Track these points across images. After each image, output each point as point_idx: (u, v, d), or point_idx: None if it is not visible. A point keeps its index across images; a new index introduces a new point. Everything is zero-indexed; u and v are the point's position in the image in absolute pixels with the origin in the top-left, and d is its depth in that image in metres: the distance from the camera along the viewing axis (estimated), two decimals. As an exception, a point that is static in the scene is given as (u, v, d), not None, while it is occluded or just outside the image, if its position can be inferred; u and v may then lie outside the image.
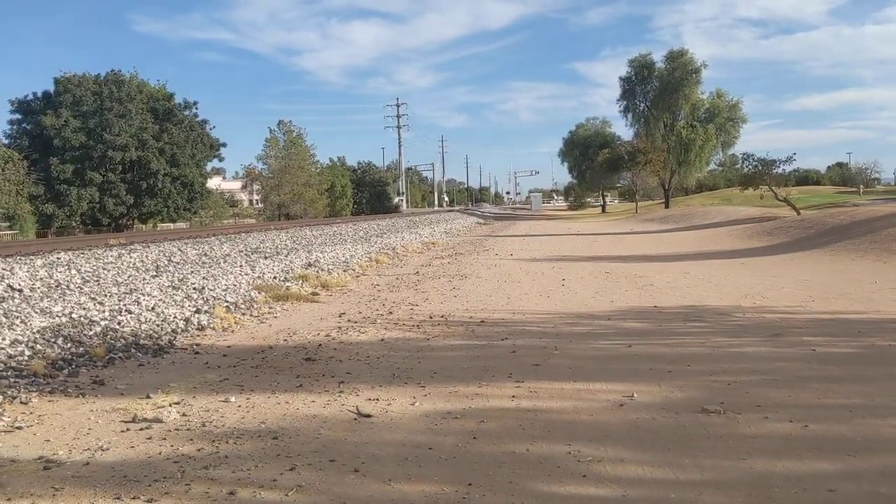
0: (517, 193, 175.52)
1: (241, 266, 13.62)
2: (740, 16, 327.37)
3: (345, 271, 15.31)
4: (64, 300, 8.86)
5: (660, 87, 61.24)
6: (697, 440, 4.44)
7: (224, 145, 46.81)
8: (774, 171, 35.67)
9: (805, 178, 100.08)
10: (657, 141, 60.84)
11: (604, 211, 78.60)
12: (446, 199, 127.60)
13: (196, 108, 44.34)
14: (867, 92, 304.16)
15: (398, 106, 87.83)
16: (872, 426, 4.62)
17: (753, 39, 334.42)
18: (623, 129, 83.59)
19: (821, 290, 11.48)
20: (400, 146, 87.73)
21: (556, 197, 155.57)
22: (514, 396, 5.56)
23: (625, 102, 64.79)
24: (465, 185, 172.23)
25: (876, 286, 11.69)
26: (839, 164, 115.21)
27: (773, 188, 35.17)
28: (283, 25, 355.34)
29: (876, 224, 19.66)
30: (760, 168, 35.94)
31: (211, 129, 45.40)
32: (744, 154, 39.78)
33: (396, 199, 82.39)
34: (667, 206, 61.71)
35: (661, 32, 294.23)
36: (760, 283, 12.52)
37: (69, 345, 7.32)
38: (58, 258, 11.88)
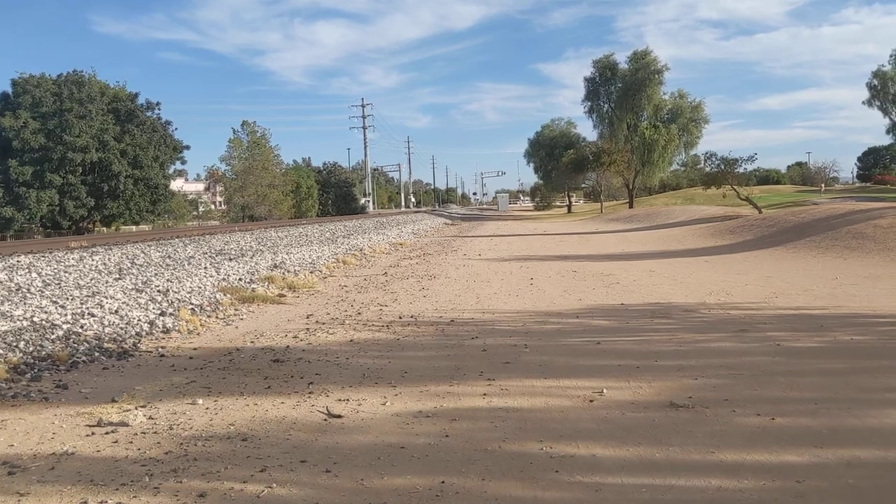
0: (484, 194, 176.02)
1: (205, 268, 13.45)
2: (701, 17, 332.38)
3: (311, 273, 15.21)
4: (25, 304, 8.68)
5: (623, 88, 61.86)
6: (667, 434, 4.47)
7: (187, 148, 46.30)
8: (736, 170, 36.23)
9: (766, 178, 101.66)
10: (621, 141, 61.44)
11: (569, 211, 79.07)
12: (413, 199, 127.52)
13: (159, 109, 43.80)
14: (825, 92, 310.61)
15: (363, 106, 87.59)
16: (838, 418, 4.70)
17: (715, 41, 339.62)
18: (588, 130, 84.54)
19: (784, 286, 11.66)
20: (366, 147, 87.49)
21: (522, 197, 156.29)
22: (485, 395, 5.55)
23: (589, 103, 65.40)
24: (432, 186, 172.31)
25: (837, 282, 11.91)
26: (799, 164, 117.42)
27: (736, 187, 35.67)
28: (246, 26, 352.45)
29: (835, 222, 20.04)
30: (723, 167, 36.48)
31: (174, 131, 44.92)
32: (706, 153, 40.49)
33: (363, 200, 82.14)
34: (631, 206, 62.26)
35: (624, 34, 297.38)
36: (725, 281, 12.69)
37: (31, 349, 7.17)
38: (18, 261, 11.62)
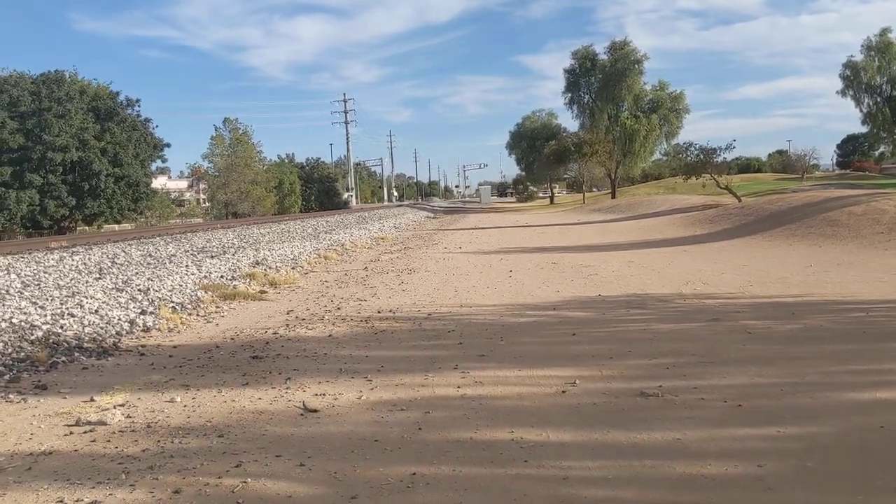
0: (466, 187, 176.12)
1: (187, 266, 13.46)
2: (681, 7, 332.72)
3: (293, 268, 15.24)
4: (3, 305, 8.67)
5: (603, 79, 62.17)
6: (636, 423, 4.58)
7: (168, 145, 45.99)
8: (715, 159, 36.43)
9: (747, 166, 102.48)
10: (602, 132, 61.69)
11: (552, 202, 79.23)
12: (396, 193, 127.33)
13: (139, 107, 43.44)
14: (804, 80, 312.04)
15: (345, 101, 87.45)
16: (802, 403, 4.82)
17: (694, 31, 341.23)
18: (569, 121, 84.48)
19: (759, 275, 11.82)
20: (348, 141, 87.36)
21: (505, 190, 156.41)
22: (459, 386, 5.64)
23: (570, 94, 65.73)
24: (415, 180, 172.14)
25: (811, 270, 12.08)
26: (779, 152, 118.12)
27: (715, 176, 35.93)
28: (226, 22, 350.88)
29: (811, 210, 20.26)
30: (702, 157, 36.67)
31: (154, 128, 44.59)
32: (685, 143, 40.67)
33: (346, 195, 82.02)
34: (613, 197, 62.59)
35: (604, 24, 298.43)
36: (702, 270, 12.84)
37: (10, 350, 7.18)
38: (-4, 263, 11.60)
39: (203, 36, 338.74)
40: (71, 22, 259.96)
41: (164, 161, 49.10)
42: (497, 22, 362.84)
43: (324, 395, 5.57)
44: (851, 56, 57.89)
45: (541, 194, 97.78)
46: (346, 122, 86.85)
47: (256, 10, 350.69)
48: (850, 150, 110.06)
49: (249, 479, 3.88)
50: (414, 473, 3.90)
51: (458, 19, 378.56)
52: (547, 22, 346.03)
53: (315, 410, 5.15)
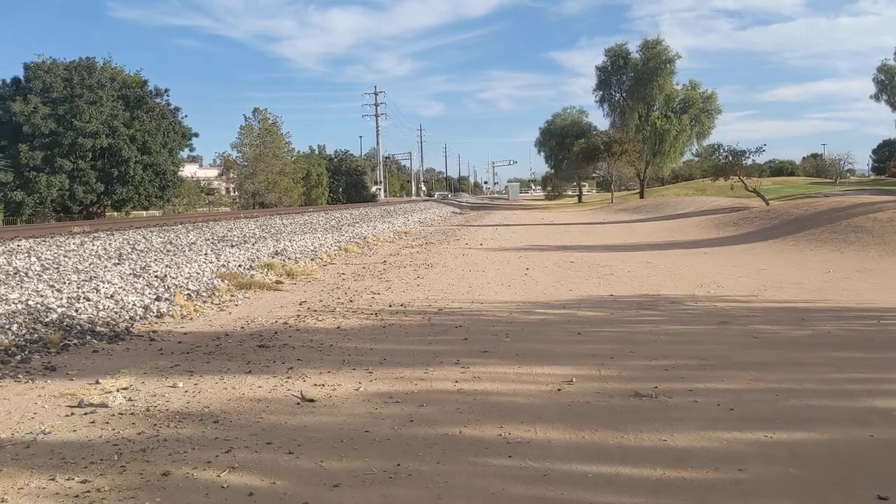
0: (495, 183, 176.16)
1: (206, 254, 13.63)
2: (717, 7, 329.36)
3: (312, 260, 15.36)
4: (21, 287, 8.86)
5: (635, 77, 61.80)
6: (625, 423, 4.59)
7: (196, 135, 46.39)
8: (745, 161, 36.05)
9: (780, 169, 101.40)
10: (632, 131, 61.32)
11: (580, 201, 78.98)
12: (424, 188, 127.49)
13: (168, 96, 43.92)
14: (842, 83, 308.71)
15: (376, 94, 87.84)
16: (794, 409, 4.80)
17: (731, 30, 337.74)
18: (599, 119, 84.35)
19: (776, 279, 11.72)
20: (378, 134, 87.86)
21: (533, 187, 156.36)
22: (457, 381, 5.68)
23: (601, 92, 65.41)
24: (444, 175, 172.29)
25: (829, 276, 11.95)
26: (814, 156, 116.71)
27: (743, 179, 35.55)
28: (261, 12, 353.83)
29: (836, 215, 20.00)
30: (731, 159, 36.30)
31: (183, 118, 45.05)
32: (715, 145, 40.32)
33: (374, 189, 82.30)
34: (642, 196, 62.21)
35: (639, 22, 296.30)
36: (719, 273, 12.75)
37: (24, 332, 7.35)
38: (18, 245, 11.84)
39: (237, 26, 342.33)
40: (107, 9, 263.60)
41: (192, 150, 49.55)
42: (531, 18, 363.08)
43: (323, 385, 5.65)
44: (885, 60, 57.10)
45: (569, 192, 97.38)
46: (377, 115, 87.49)
47: (291, 1, 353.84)
48: (886, 155, 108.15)
49: (237, 465, 3.96)
50: (398, 465, 3.95)
51: (492, 14, 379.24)
52: (581, 19, 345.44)
53: (312, 400, 5.22)
